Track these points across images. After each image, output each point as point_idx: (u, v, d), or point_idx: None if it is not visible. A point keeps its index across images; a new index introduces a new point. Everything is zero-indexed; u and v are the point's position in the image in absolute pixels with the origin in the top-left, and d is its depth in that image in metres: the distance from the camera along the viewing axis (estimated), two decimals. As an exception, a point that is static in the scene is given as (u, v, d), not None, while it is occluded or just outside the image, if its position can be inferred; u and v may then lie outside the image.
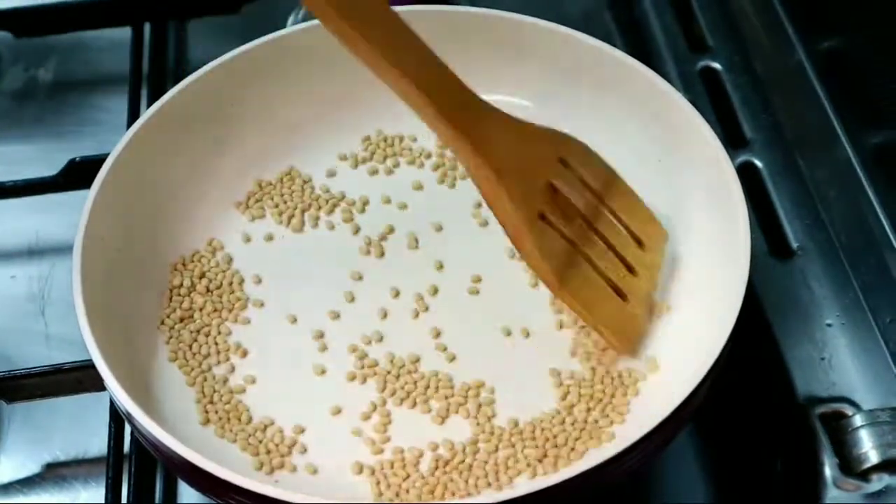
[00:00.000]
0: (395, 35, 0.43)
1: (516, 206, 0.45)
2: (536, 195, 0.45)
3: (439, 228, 0.55)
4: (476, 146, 0.44)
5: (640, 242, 0.47)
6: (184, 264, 0.54)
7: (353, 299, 0.53)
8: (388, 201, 0.57)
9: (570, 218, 0.46)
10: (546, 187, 0.45)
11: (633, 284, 0.47)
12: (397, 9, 0.44)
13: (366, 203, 0.57)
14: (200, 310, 0.52)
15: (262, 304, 0.53)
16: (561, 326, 0.51)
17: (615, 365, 0.49)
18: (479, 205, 0.55)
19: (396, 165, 0.58)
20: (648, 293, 0.48)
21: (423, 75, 0.43)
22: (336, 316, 0.52)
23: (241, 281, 0.54)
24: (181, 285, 0.53)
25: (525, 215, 0.45)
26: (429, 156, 0.58)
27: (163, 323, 0.52)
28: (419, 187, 0.57)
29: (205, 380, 0.50)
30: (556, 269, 0.45)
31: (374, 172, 0.58)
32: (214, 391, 0.50)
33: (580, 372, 0.49)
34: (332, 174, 0.58)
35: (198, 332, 0.52)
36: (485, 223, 0.55)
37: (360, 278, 0.54)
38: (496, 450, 0.48)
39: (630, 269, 0.47)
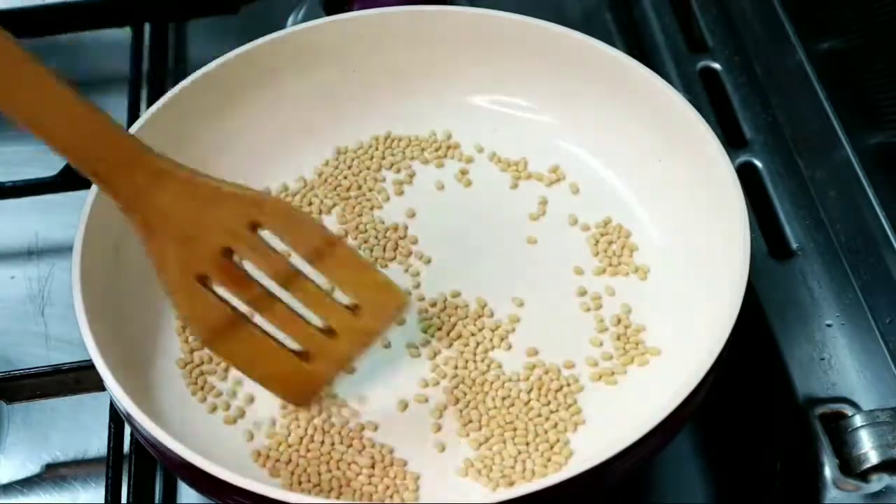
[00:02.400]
0: (36, 90, 0.42)
1: (166, 267, 0.45)
2: (200, 258, 0.45)
3: (439, 228, 0.56)
4: (126, 205, 0.44)
5: (354, 308, 0.47)
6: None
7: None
8: (384, 201, 0.57)
9: (242, 283, 0.46)
10: (218, 251, 0.45)
11: (328, 346, 0.47)
12: (398, 9, 0.44)
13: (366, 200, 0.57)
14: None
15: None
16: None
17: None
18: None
19: (394, 166, 0.58)
20: (349, 355, 0.48)
21: (69, 133, 0.43)
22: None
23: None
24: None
25: (175, 278, 0.45)
26: (426, 161, 0.58)
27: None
28: (418, 187, 0.57)
29: (205, 380, 0.50)
30: (206, 330, 0.46)
31: (374, 172, 0.58)
32: (216, 391, 0.50)
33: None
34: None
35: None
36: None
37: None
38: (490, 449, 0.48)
39: (328, 331, 0.47)
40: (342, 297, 0.47)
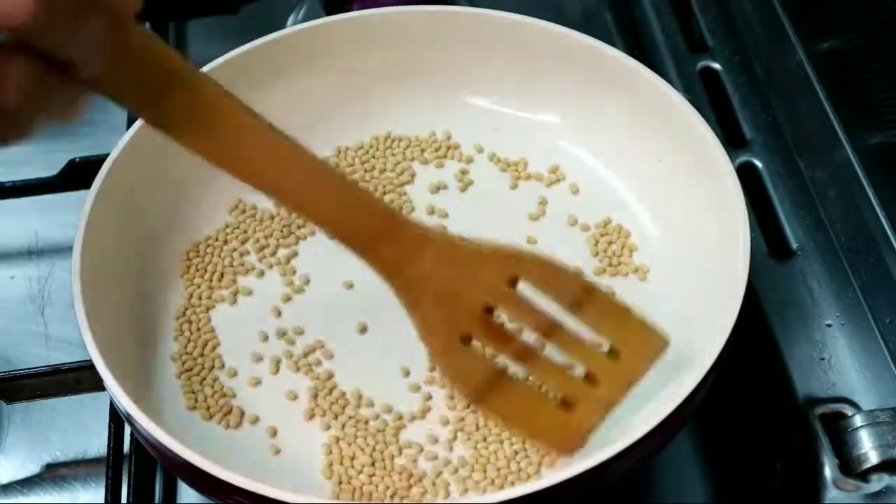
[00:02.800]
0: (295, 171, 0.43)
1: (430, 331, 0.45)
2: (463, 319, 0.45)
3: (439, 228, 0.55)
4: (390, 274, 0.44)
5: (615, 353, 0.46)
6: (184, 264, 0.54)
7: (350, 286, 0.53)
8: (391, 200, 0.57)
9: (505, 339, 0.46)
10: (480, 310, 0.45)
11: (588, 394, 0.46)
12: (398, 9, 0.44)
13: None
14: (201, 310, 0.53)
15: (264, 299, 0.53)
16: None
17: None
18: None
19: (399, 165, 0.58)
20: (610, 401, 0.46)
21: (332, 208, 0.44)
22: (336, 315, 0.52)
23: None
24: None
25: (440, 341, 0.45)
26: (426, 161, 0.58)
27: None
28: (418, 187, 0.57)
29: (205, 380, 0.50)
30: (472, 389, 0.47)
31: (374, 172, 0.58)
32: (215, 391, 0.50)
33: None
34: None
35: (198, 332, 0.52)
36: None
37: (351, 287, 0.54)
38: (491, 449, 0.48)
39: (593, 380, 0.46)
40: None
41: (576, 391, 0.46)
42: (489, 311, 0.46)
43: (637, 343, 0.46)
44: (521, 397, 0.47)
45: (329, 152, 0.58)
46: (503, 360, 0.47)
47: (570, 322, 0.46)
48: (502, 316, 0.47)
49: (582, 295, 0.46)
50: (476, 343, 0.46)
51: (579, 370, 0.47)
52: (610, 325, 0.46)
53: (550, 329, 0.46)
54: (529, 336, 0.47)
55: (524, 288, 0.45)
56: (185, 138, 0.41)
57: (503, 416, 0.47)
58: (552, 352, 0.47)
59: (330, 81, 0.58)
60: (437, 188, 0.57)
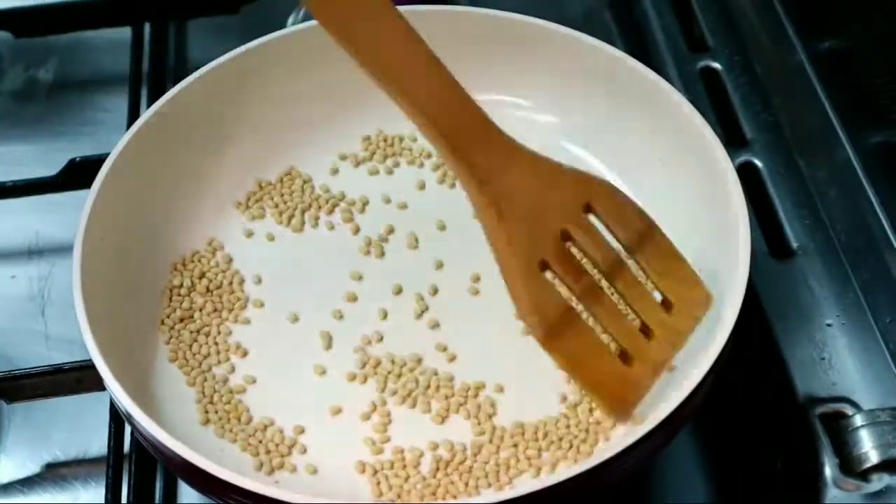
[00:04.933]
0: (406, 55, 0.42)
1: (514, 251, 0.43)
2: (543, 242, 0.43)
3: (441, 228, 0.56)
4: (481, 182, 0.43)
5: (668, 305, 0.45)
6: (184, 264, 0.54)
7: (354, 299, 0.53)
8: (388, 201, 0.57)
9: (578, 271, 0.44)
10: (558, 234, 0.43)
11: (646, 349, 0.45)
12: (400, 9, 0.44)
13: (366, 203, 0.57)
14: (200, 310, 0.52)
15: (262, 304, 0.53)
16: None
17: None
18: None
19: (397, 165, 0.58)
20: (663, 359, 0.45)
21: (434, 101, 0.42)
22: (337, 316, 0.52)
23: (242, 281, 0.54)
24: (181, 285, 0.53)
25: (522, 263, 0.43)
26: (429, 155, 0.58)
27: (163, 323, 0.52)
28: (420, 187, 0.57)
29: (205, 380, 0.50)
30: (545, 324, 0.43)
31: (374, 172, 0.58)
32: (214, 391, 0.50)
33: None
34: (332, 174, 0.58)
35: (198, 332, 0.52)
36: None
37: (361, 278, 0.54)
38: (497, 450, 0.48)
39: (646, 333, 0.45)
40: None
41: (635, 344, 0.45)
42: (566, 238, 0.44)
43: (687, 297, 0.45)
44: (588, 343, 0.44)
45: (329, 152, 0.58)
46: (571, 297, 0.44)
47: (632, 266, 0.45)
48: (573, 249, 0.45)
49: (644, 232, 0.44)
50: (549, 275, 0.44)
51: (634, 319, 0.45)
52: (666, 270, 0.45)
53: (615, 268, 0.44)
54: (595, 275, 0.45)
55: (594, 220, 0.44)
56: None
57: (568, 361, 0.44)
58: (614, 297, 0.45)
59: (329, 81, 0.58)
60: (438, 187, 0.57)
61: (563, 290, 0.44)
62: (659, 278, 0.45)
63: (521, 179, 0.43)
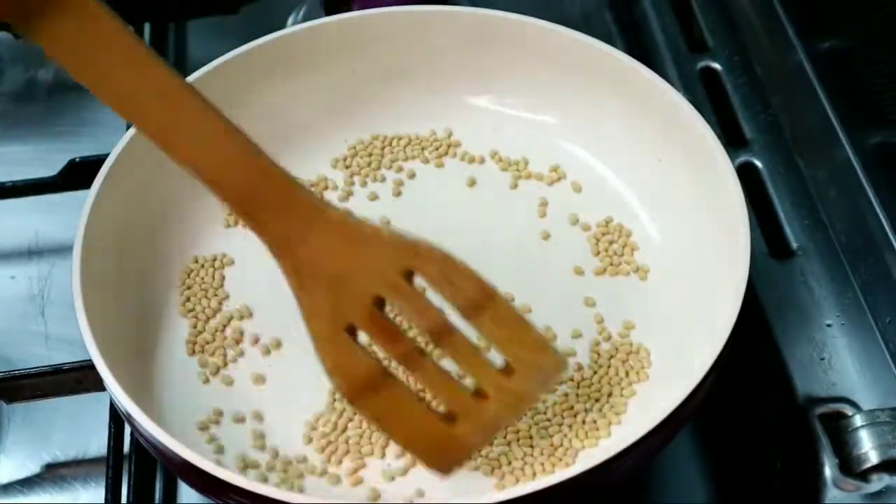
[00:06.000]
0: (196, 124, 0.41)
1: (316, 315, 0.42)
2: (350, 307, 0.42)
3: (440, 228, 0.56)
4: (279, 248, 0.42)
5: (510, 369, 0.43)
6: (184, 264, 0.54)
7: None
8: (384, 200, 0.57)
9: (393, 335, 0.43)
10: (369, 300, 0.42)
11: (476, 409, 0.43)
12: (398, 9, 0.44)
13: (366, 199, 0.57)
14: (202, 309, 0.52)
15: (264, 304, 0.53)
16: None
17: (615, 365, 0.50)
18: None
19: (395, 165, 0.58)
20: (497, 419, 0.44)
21: (223, 167, 0.41)
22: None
23: (244, 282, 0.54)
24: (182, 284, 0.53)
25: (325, 327, 0.43)
26: (426, 160, 0.58)
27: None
28: (418, 186, 0.57)
29: (206, 379, 0.50)
30: (350, 383, 0.43)
31: (374, 171, 0.58)
32: (216, 390, 0.50)
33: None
34: (333, 171, 0.58)
35: (201, 331, 0.52)
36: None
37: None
38: (490, 450, 0.48)
39: (478, 393, 0.44)
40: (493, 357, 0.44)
41: (463, 405, 0.43)
42: (381, 305, 0.43)
43: (532, 361, 0.43)
44: (403, 403, 0.44)
45: (329, 152, 0.58)
46: (390, 361, 0.44)
47: (467, 330, 0.43)
48: (394, 313, 0.44)
49: (481, 300, 0.42)
50: (364, 339, 0.43)
51: (469, 382, 0.44)
52: (506, 337, 0.43)
53: (443, 333, 0.43)
54: (421, 339, 0.44)
55: (422, 286, 0.43)
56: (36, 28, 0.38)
57: (377, 420, 0.44)
58: (444, 360, 0.44)
59: (329, 81, 0.58)
60: (438, 187, 0.57)
61: (380, 352, 0.44)
62: (500, 343, 0.43)
63: (325, 245, 0.42)
